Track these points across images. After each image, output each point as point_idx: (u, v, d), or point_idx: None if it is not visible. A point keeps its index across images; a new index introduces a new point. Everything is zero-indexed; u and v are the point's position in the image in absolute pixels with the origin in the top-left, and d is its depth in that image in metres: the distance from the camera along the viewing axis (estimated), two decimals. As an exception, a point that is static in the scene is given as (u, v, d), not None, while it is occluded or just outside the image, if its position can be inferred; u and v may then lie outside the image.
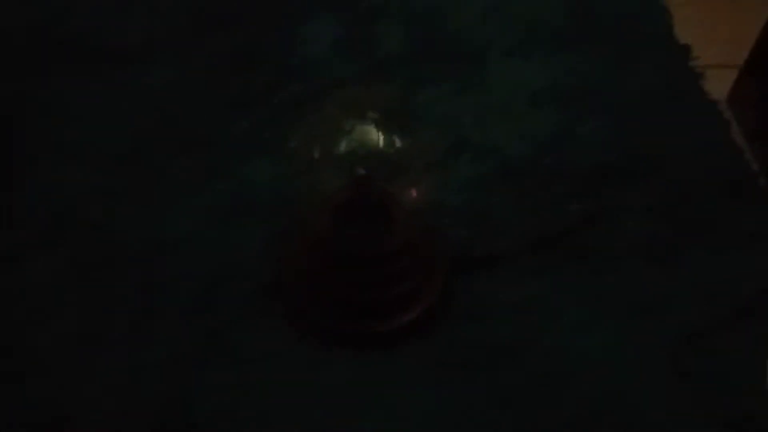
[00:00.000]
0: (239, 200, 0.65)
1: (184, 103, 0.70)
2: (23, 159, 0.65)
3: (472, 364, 0.58)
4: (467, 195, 0.66)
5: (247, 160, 0.67)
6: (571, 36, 0.77)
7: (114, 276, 0.60)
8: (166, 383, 0.56)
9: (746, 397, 0.56)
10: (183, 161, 0.66)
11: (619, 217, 0.64)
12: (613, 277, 0.61)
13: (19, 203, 0.63)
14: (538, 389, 0.57)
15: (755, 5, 0.77)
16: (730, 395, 0.56)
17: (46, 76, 0.70)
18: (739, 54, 0.75)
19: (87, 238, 0.61)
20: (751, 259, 0.62)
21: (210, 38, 0.75)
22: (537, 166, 0.68)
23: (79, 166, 0.65)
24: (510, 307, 0.60)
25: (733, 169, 0.68)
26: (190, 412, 0.55)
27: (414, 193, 0.57)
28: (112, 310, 0.59)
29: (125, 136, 0.67)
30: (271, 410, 0.55)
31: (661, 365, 0.57)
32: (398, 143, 0.56)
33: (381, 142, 0.56)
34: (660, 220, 0.64)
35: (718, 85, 0.75)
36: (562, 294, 0.61)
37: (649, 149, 0.69)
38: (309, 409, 0.56)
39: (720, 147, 0.69)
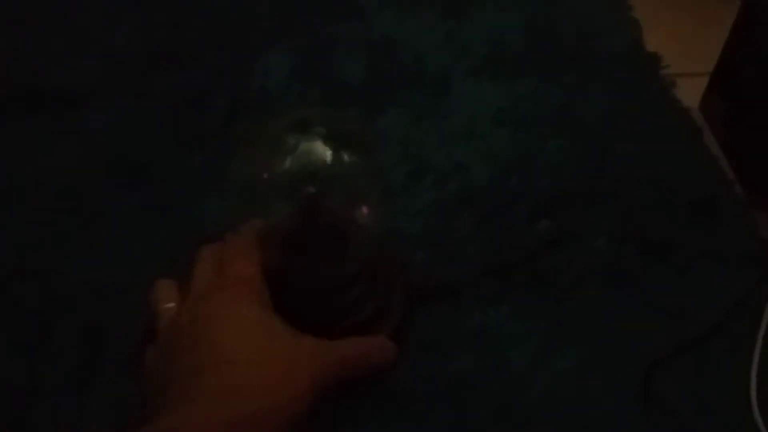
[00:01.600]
0: (190, 237, 0.63)
1: (135, 142, 0.68)
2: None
3: (432, 396, 0.55)
4: (427, 220, 0.64)
5: (200, 195, 0.65)
6: (533, 57, 0.76)
7: (53, 324, 0.58)
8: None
9: (721, 417, 0.53)
10: (131, 200, 0.64)
11: (584, 240, 0.62)
12: (578, 302, 0.58)
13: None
14: (503, 421, 0.54)
15: (723, 14, 0.75)
16: (705, 417, 0.53)
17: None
18: (710, 62, 0.73)
19: (27, 283, 0.59)
20: (721, 278, 0.59)
21: (163, 75, 0.74)
22: (500, 189, 0.66)
23: (22, 210, 0.63)
24: (470, 335, 0.57)
25: (704, 182, 0.65)
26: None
27: (367, 213, 0.54)
28: (54, 359, 0.57)
29: (71, 177, 0.65)
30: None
31: (630, 390, 0.54)
32: (348, 159, 0.53)
33: (329, 159, 0.52)
34: (625, 242, 0.61)
35: (690, 94, 0.73)
36: (525, 320, 0.58)
37: (614, 168, 0.67)
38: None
39: (690, 159, 0.67)
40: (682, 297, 0.58)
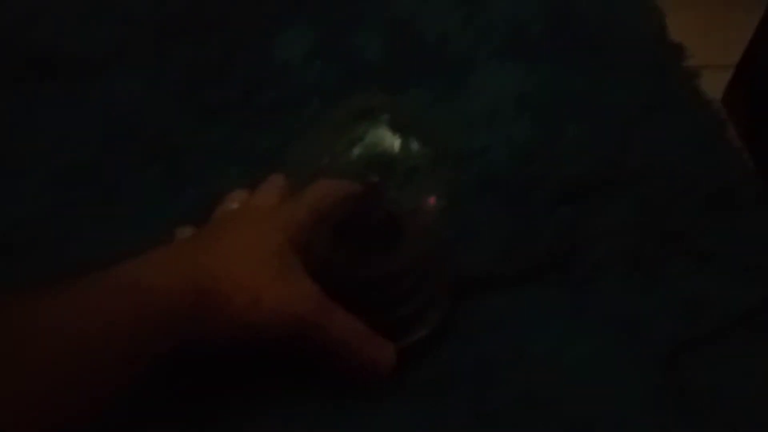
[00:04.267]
0: (211, 211, 0.62)
1: (154, 113, 0.68)
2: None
3: (452, 380, 0.55)
4: (447, 203, 0.63)
5: (220, 167, 0.65)
6: (555, 41, 0.75)
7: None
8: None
9: (736, 410, 0.53)
10: (151, 172, 0.64)
11: (600, 229, 0.61)
12: (598, 289, 0.58)
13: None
14: (524, 405, 0.54)
15: (750, 5, 0.75)
16: (723, 409, 0.53)
17: (9, 86, 0.67)
18: (734, 54, 0.72)
19: (47, 250, 0.58)
20: (740, 269, 0.59)
21: (183, 47, 0.73)
22: (520, 175, 0.65)
23: (39, 179, 0.62)
24: (491, 320, 0.57)
25: (726, 174, 0.65)
26: None
27: (433, 204, 0.53)
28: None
29: (90, 147, 0.64)
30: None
31: (651, 378, 0.54)
32: (415, 150, 0.52)
33: (396, 149, 0.52)
34: (645, 231, 0.61)
35: (713, 86, 0.72)
36: (546, 306, 0.58)
37: (635, 157, 0.67)
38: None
39: (712, 150, 0.67)
40: (701, 287, 0.58)
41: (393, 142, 0.52)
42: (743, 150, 0.67)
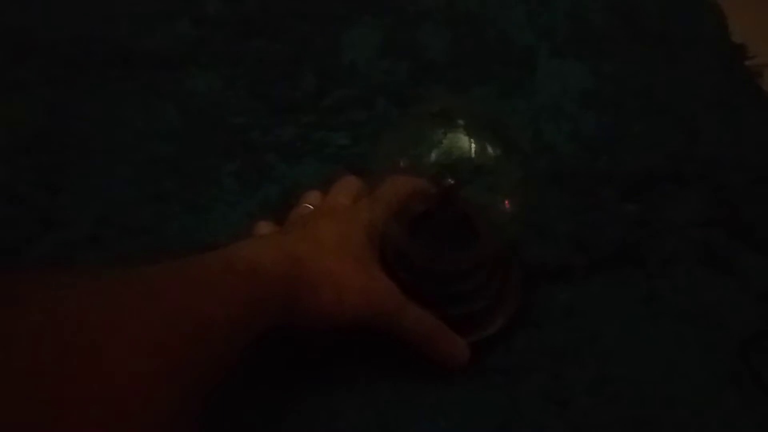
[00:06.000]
0: (288, 208, 0.64)
1: (230, 108, 0.70)
2: (73, 162, 0.65)
3: (525, 368, 0.57)
4: (517, 198, 0.65)
5: (296, 163, 0.67)
6: (619, 35, 0.76)
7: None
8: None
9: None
10: (230, 165, 0.66)
11: (672, 221, 0.62)
12: (667, 281, 0.60)
13: (69, 205, 0.63)
14: (596, 393, 0.55)
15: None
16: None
17: (93, 83, 0.70)
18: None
19: (134, 240, 0.61)
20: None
21: (254, 44, 0.75)
22: (588, 169, 0.67)
23: (126, 170, 0.65)
24: (562, 310, 0.59)
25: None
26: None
27: (508, 207, 0.55)
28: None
29: (172, 140, 0.67)
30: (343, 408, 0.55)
31: (721, 368, 0.55)
32: (491, 153, 0.54)
33: (473, 152, 0.54)
34: (711, 224, 0.62)
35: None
36: (616, 297, 0.59)
37: (701, 151, 0.67)
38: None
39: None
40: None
41: (469, 146, 0.54)
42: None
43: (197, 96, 0.70)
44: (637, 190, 0.64)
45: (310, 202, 0.60)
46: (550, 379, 0.56)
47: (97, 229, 0.61)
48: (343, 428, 0.53)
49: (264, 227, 0.59)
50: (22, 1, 0.75)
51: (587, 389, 0.56)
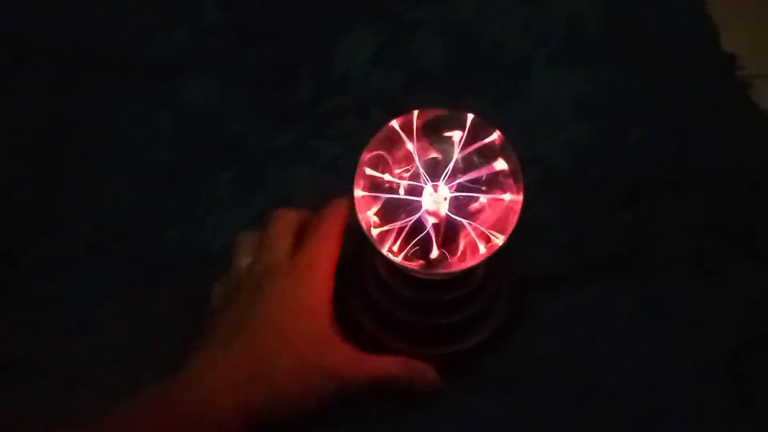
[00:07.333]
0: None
1: (226, 116, 0.70)
2: (69, 170, 0.66)
3: (519, 375, 0.57)
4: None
5: (290, 171, 0.67)
6: (612, 44, 0.77)
7: (156, 287, 0.60)
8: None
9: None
10: (226, 173, 0.66)
11: (664, 228, 0.63)
12: (662, 288, 0.60)
13: (64, 213, 0.63)
14: (588, 400, 0.56)
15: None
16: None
17: (90, 90, 0.70)
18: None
19: (129, 248, 0.61)
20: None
21: (250, 52, 0.75)
22: (580, 177, 0.67)
23: (122, 178, 0.65)
24: (556, 317, 0.59)
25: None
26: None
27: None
28: (153, 323, 0.59)
29: (168, 148, 0.67)
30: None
31: (713, 375, 0.56)
32: (479, 163, 0.53)
33: (460, 164, 0.53)
34: (705, 231, 0.63)
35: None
36: (610, 304, 0.60)
37: (695, 159, 0.68)
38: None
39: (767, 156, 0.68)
40: (765, 286, 0.60)
41: (455, 156, 0.53)
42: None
43: (193, 104, 0.71)
44: (630, 198, 0.65)
45: (246, 251, 0.56)
46: (543, 387, 0.57)
47: (93, 236, 0.62)
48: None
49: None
50: (20, 8, 0.76)
51: (581, 397, 0.56)
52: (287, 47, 0.76)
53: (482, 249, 0.51)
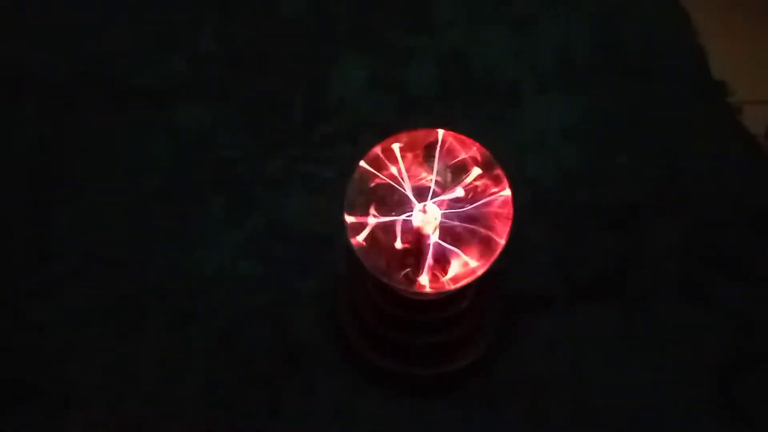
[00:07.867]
0: (275, 236, 0.65)
1: (219, 142, 0.71)
2: (60, 195, 0.67)
3: (507, 397, 0.57)
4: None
5: (282, 196, 0.68)
6: (601, 70, 0.78)
7: (146, 311, 0.61)
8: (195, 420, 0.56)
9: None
10: (218, 198, 0.67)
11: (652, 252, 0.63)
12: (647, 312, 0.61)
13: (55, 238, 0.64)
14: (576, 422, 0.56)
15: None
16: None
17: (86, 118, 0.72)
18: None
19: (119, 273, 0.62)
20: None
21: (244, 80, 0.76)
22: (569, 200, 0.68)
23: (115, 204, 0.66)
24: (544, 340, 0.60)
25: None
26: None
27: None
28: (143, 346, 0.60)
29: (160, 173, 0.68)
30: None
31: (701, 397, 0.56)
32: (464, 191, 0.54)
33: (448, 181, 0.54)
34: (692, 254, 0.63)
35: (757, 121, 0.74)
36: (597, 328, 0.60)
37: (682, 183, 0.69)
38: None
39: (757, 176, 0.68)
40: (751, 310, 0.60)
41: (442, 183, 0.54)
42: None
43: (187, 130, 0.72)
44: (618, 222, 0.66)
45: None
46: (531, 408, 0.57)
47: (84, 261, 0.62)
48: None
49: None
50: (17, 37, 0.77)
51: (568, 418, 0.56)
52: (281, 75, 0.77)
53: (471, 264, 0.52)
